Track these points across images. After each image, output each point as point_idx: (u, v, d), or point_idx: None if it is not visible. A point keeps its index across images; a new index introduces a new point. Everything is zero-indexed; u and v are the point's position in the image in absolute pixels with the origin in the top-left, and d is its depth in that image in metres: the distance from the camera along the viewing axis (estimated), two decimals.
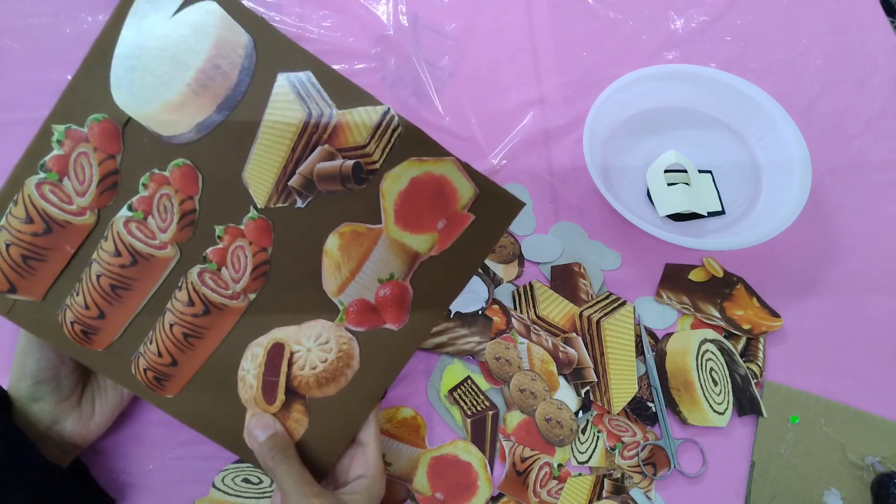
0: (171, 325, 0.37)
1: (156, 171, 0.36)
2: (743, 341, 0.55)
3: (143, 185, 0.36)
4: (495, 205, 0.39)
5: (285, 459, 0.38)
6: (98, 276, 0.36)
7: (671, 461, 0.50)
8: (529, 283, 0.56)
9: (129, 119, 0.35)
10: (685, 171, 0.59)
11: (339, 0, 0.72)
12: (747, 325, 0.55)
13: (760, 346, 0.54)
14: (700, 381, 0.52)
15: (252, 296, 0.38)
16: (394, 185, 0.38)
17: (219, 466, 0.49)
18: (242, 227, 0.37)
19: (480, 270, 0.56)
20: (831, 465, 0.50)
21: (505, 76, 0.68)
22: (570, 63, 0.69)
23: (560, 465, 0.50)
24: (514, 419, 0.51)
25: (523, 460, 0.50)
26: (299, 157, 0.37)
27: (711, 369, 0.53)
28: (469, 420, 0.51)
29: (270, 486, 0.48)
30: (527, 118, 0.65)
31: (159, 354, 0.37)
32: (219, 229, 0.37)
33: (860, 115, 0.67)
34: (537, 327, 0.54)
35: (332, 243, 0.38)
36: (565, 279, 0.57)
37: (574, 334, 0.54)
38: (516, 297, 0.56)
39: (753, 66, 0.69)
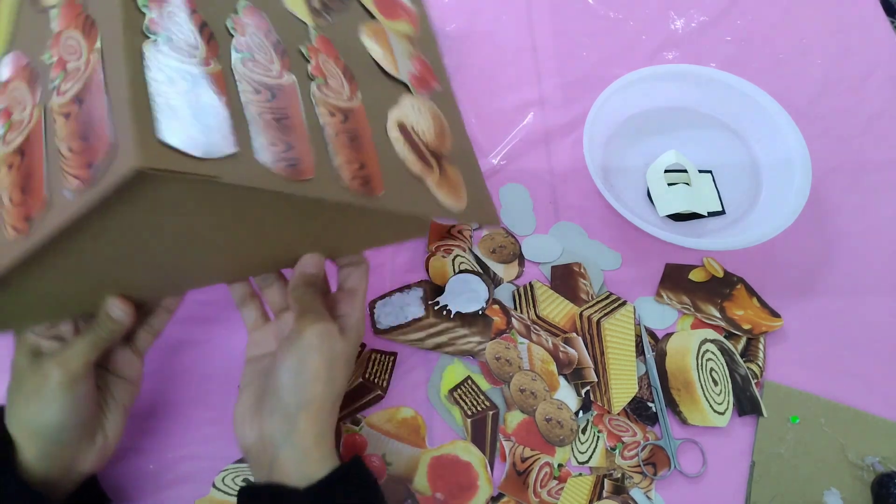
0: (335, 135, 0.39)
1: (232, 15, 0.39)
2: (743, 341, 0.55)
3: (232, 28, 0.38)
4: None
5: None
6: (260, 114, 0.36)
7: (671, 461, 0.50)
8: (529, 283, 0.56)
9: None
10: (685, 171, 0.59)
11: None
12: (747, 325, 0.55)
13: (760, 346, 0.54)
14: (700, 381, 0.52)
15: (359, 95, 0.43)
16: None
17: (219, 466, 0.49)
18: (314, 44, 0.43)
19: (480, 270, 0.56)
20: (831, 465, 0.50)
21: (505, 76, 0.68)
22: (570, 63, 0.69)
23: (560, 466, 0.50)
24: (514, 419, 0.51)
25: (523, 460, 0.50)
26: None
27: (711, 369, 0.53)
28: (469, 420, 0.51)
29: None
30: (527, 118, 0.65)
31: (349, 162, 0.39)
32: (303, 49, 0.41)
33: (860, 115, 0.67)
34: (537, 327, 0.54)
35: (368, 42, 0.47)
36: (565, 279, 0.57)
37: (574, 334, 0.54)
38: (516, 297, 0.56)
39: (753, 66, 0.69)
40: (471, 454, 0.50)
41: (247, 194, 0.35)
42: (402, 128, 0.44)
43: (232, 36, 0.38)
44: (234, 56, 0.37)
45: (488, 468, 0.50)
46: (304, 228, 0.42)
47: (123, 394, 0.44)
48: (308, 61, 0.41)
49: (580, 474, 0.50)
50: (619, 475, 0.50)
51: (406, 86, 0.47)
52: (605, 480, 0.49)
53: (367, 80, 0.45)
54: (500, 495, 0.49)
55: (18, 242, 0.33)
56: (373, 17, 0.49)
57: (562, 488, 0.49)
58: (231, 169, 0.33)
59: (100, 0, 0.34)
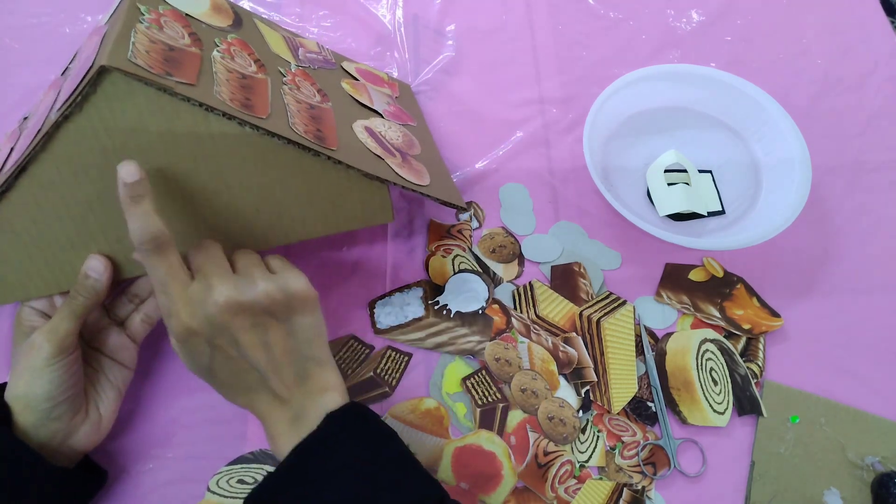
0: (297, 111, 0.45)
1: (221, 37, 0.46)
2: (743, 341, 0.55)
3: (218, 42, 0.45)
4: None
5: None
6: (227, 79, 0.42)
7: (671, 461, 0.50)
8: (529, 282, 0.56)
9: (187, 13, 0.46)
10: (685, 171, 0.59)
11: (338, 0, 0.72)
12: (747, 324, 0.55)
13: (760, 346, 0.54)
14: (700, 380, 0.52)
15: (329, 104, 0.50)
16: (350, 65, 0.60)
17: (218, 466, 0.49)
18: (293, 71, 0.50)
19: (480, 269, 0.56)
20: (831, 465, 0.50)
21: (505, 76, 0.68)
22: (570, 63, 0.69)
23: (582, 466, 0.50)
24: (514, 418, 0.51)
25: (546, 454, 0.50)
26: (293, 47, 0.55)
27: (711, 369, 0.53)
28: (479, 409, 0.51)
29: None
30: (527, 118, 0.65)
31: (305, 124, 0.44)
32: (281, 69, 0.49)
33: (860, 115, 0.67)
34: (537, 327, 0.54)
35: (346, 87, 0.55)
36: (565, 279, 0.57)
37: (574, 334, 0.54)
38: (516, 297, 0.56)
39: (753, 66, 0.69)
40: (494, 444, 0.50)
41: (202, 120, 0.40)
42: (369, 129, 0.50)
43: (216, 46, 0.45)
44: (216, 53, 0.44)
45: (512, 458, 0.50)
46: (264, 189, 0.45)
47: (118, 375, 0.47)
48: (284, 76, 0.48)
49: (601, 478, 0.50)
50: (640, 487, 0.49)
51: (379, 114, 0.54)
52: (625, 489, 0.49)
53: (340, 100, 0.52)
54: (526, 487, 0.49)
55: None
56: (356, 79, 0.58)
57: (579, 488, 0.49)
58: (188, 90, 0.38)
59: (116, 16, 0.43)
